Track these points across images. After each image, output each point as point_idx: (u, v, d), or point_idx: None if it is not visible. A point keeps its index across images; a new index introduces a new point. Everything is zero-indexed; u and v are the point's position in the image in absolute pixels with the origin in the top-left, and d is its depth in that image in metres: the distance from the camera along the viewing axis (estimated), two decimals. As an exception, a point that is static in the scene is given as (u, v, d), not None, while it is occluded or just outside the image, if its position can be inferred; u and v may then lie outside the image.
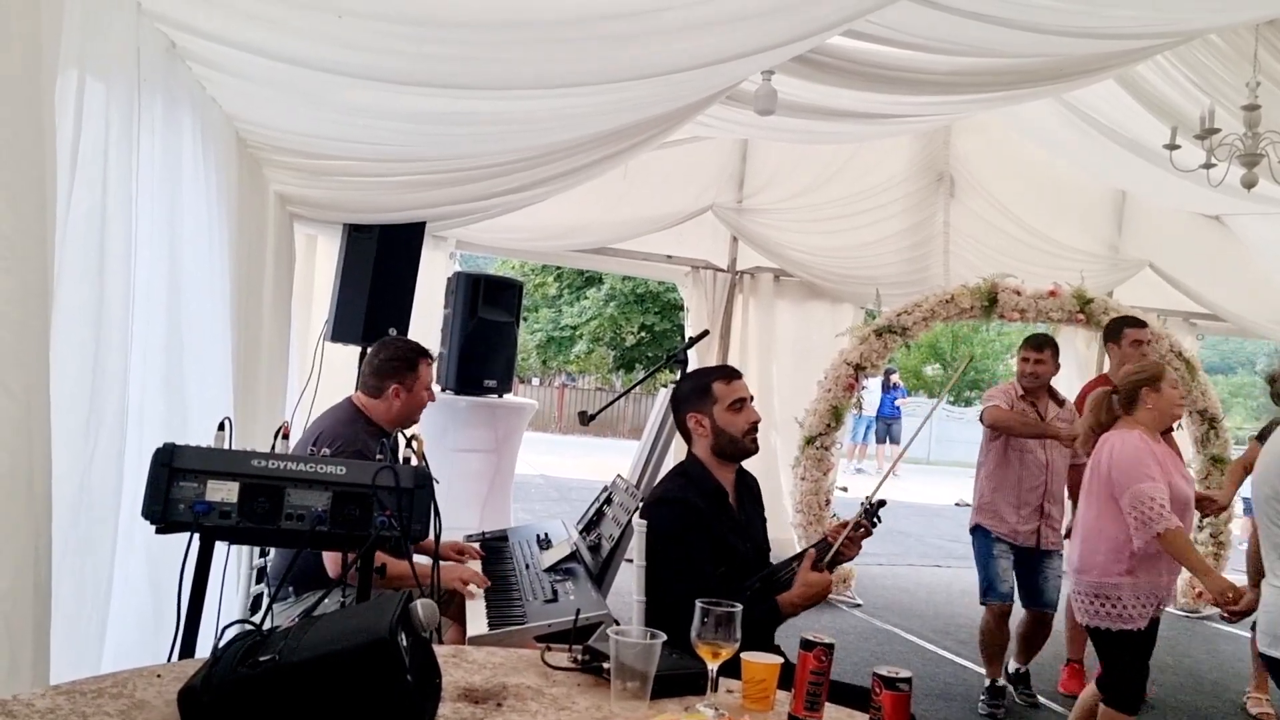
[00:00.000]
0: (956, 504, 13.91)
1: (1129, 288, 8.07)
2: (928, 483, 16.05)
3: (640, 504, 2.98)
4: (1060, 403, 4.86)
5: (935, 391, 24.96)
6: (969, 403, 25.19)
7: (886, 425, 17.07)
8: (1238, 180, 4.89)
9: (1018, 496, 4.72)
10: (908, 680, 1.58)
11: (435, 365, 3.59)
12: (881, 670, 1.59)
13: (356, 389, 3.48)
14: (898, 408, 17.28)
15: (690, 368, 3.67)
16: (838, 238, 7.56)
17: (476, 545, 3.66)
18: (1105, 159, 7.02)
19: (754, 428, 2.90)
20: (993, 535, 4.74)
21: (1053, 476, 4.74)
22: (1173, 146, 4.99)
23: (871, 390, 16.49)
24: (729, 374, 2.95)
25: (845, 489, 7.15)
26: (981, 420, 4.84)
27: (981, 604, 4.78)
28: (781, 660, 1.84)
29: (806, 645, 1.77)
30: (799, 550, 3.15)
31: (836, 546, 2.82)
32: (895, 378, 18.08)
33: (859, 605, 6.70)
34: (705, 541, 2.73)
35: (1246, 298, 8.16)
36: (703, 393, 2.88)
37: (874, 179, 7.63)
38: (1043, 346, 4.78)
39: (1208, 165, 4.93)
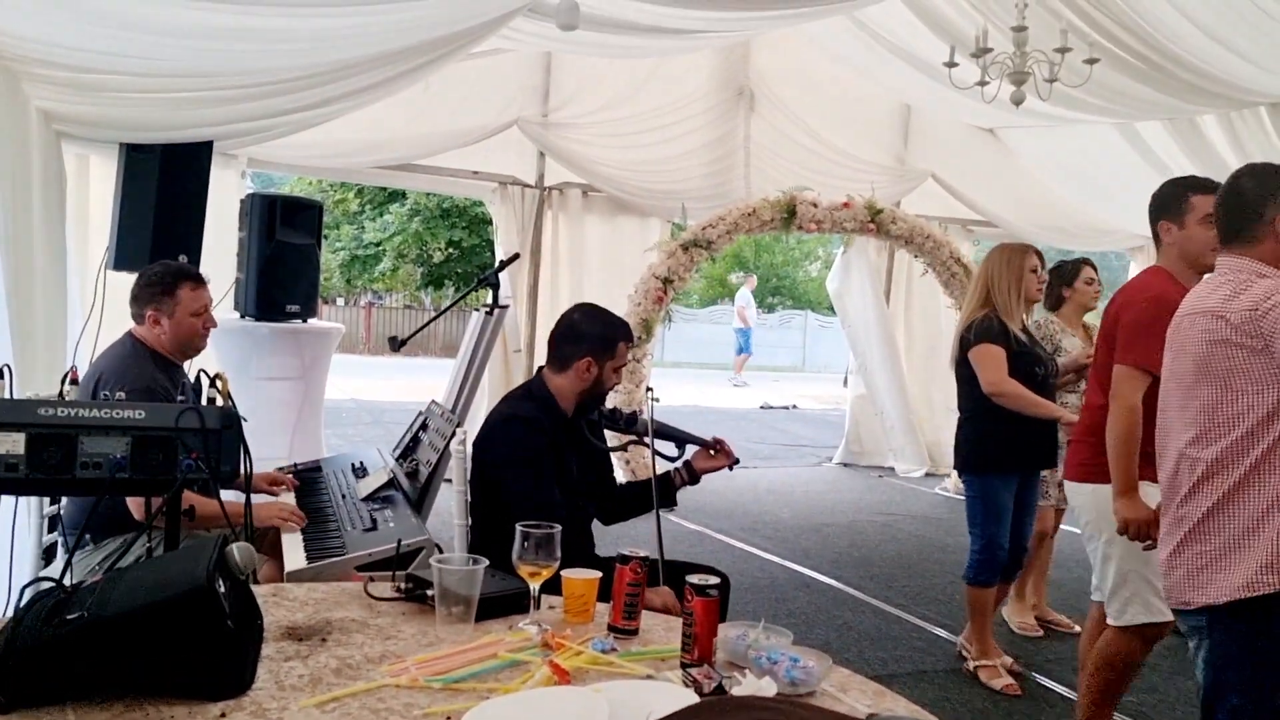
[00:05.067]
0: (762, 407, 14.59)
1: (914, 198, 8.55)
2: (734, 390, 16.73)
3: (456, 428, 2.99)
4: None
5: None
6: (771, 309, 26.24)
7: None
8: (1008, 96, 5.25)
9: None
10: (716, 587, 1.70)
11: (207, 287, 3.32)
12: (693, 579, 1.71)
13: None
14: None
15: (502, 290, 3.68)
16: (643, 152, 7.62)
17: (290, 476, 3.58)
18: (893, 75, 7.34)
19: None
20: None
21: None
22: (951, 64, 5.30)
23: (751, 306, 17.18)
24: (630, 337, 3.07)
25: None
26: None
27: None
28: (599, 575, 1.94)
29: (623, 559, 1.87)
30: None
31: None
32: None
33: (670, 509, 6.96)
34: (553, 465, 2.78)
35: (1016, 205, 8.79)
36: (609, 344, 2.90)
37: (677, 93, 7.69)
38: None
39: (982, 82, 5.27)
